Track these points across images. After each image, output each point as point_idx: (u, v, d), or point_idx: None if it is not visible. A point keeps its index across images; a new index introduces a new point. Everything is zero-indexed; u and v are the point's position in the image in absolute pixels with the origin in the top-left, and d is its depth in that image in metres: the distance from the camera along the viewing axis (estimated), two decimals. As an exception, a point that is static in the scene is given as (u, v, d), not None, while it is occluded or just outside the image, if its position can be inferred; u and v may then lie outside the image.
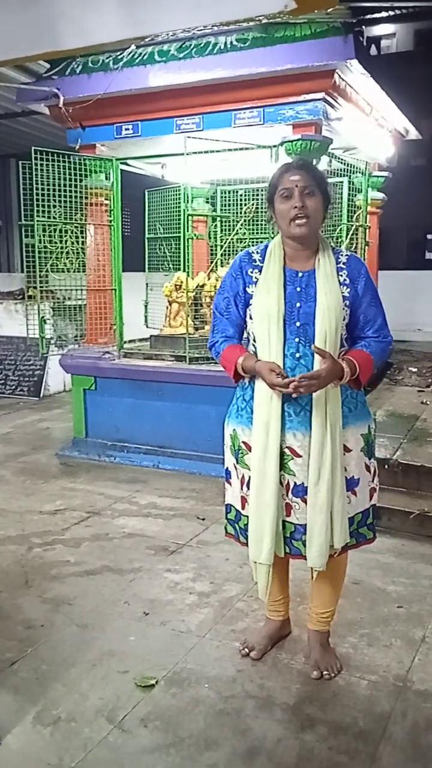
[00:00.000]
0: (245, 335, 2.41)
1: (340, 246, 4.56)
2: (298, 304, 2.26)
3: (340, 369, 2.20)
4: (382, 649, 2.61)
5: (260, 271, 2.33)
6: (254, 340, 2.33)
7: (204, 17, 1.63)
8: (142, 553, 3.48)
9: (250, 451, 2.34)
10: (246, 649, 2.56)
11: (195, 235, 5.22)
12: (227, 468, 2.50)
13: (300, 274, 2.29)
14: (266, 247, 2.37)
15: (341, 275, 2.30)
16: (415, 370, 6.64)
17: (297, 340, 2.24)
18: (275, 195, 2.28)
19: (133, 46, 4.46)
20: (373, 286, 2.36)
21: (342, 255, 2.35)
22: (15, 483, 4.64)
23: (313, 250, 2.31)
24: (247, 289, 2.34)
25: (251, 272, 2.34)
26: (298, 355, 2.24)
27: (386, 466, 3.91)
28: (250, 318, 2.34)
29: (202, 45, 4.38)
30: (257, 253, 2.37)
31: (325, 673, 2.42)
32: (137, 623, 2.80)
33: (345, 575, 2.54)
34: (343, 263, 2.33)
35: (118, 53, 4.58)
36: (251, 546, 2.35)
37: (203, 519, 3.93)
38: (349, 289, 2.29)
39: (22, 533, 3.75)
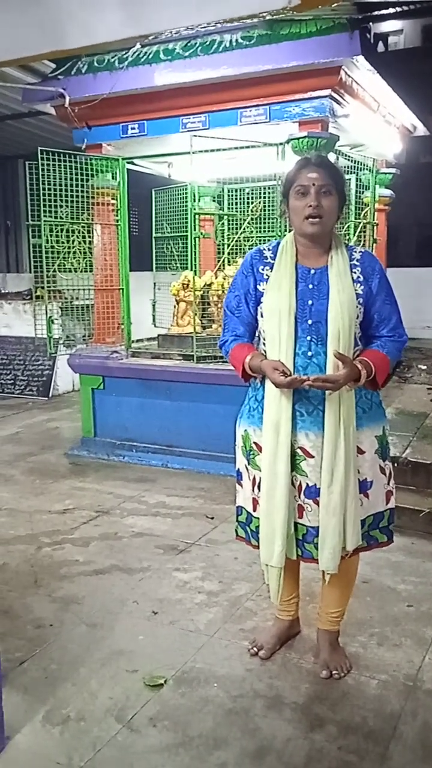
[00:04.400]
0: (257, 334, 2.37)
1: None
2: (310, 302, 2.21)
3: (357, 372, 2.16)
4: (392, 649, 2.60)
5: (271, 268, 2.29)
6: (264, 339, 2.29)
7: (207, 15, 1.61)
8: (151, 553, 3.48)
9: (261, 451, 2.30)
10: (255, 649, 2.55)
11: (202, 233, 5.23)
12: (238, 469, 2.47)
13: (312, 271, 2.25)
14: (278, 244, 2.33)
15: (355, 272, 2.25)
16: (425, 367, 6.61)
17: (309, 338, 2.20)
18: (290, 190, 2.23)
19: (138, 45, 4.46)
20: (387, 283, 2.30)
21: (355, 252, 2.31)
22: (24, 483, 4.66)
23: (325, 247, 2.27)
24: (258, 286, 2.30)
25: (262, 269, 2.30)
26: (310, 353, 2.20)
27: (395, 465, 3.88)
28: (261, 316, 2.30)
29: (207, 43, 4.37)
30: (269, 250, 2.33)
31: (334, 672, 2.41)
32: (146, 622, 2.80)
33: (356, 576, 2.52)
34: (357, 260, 2.28)
35: (124, 52, 4.58)
36: (262, 548, 2.32)
37: (212, 518, 3.93)
38: (362, 287, 2.24)
39: (32, 533, 3.76)
